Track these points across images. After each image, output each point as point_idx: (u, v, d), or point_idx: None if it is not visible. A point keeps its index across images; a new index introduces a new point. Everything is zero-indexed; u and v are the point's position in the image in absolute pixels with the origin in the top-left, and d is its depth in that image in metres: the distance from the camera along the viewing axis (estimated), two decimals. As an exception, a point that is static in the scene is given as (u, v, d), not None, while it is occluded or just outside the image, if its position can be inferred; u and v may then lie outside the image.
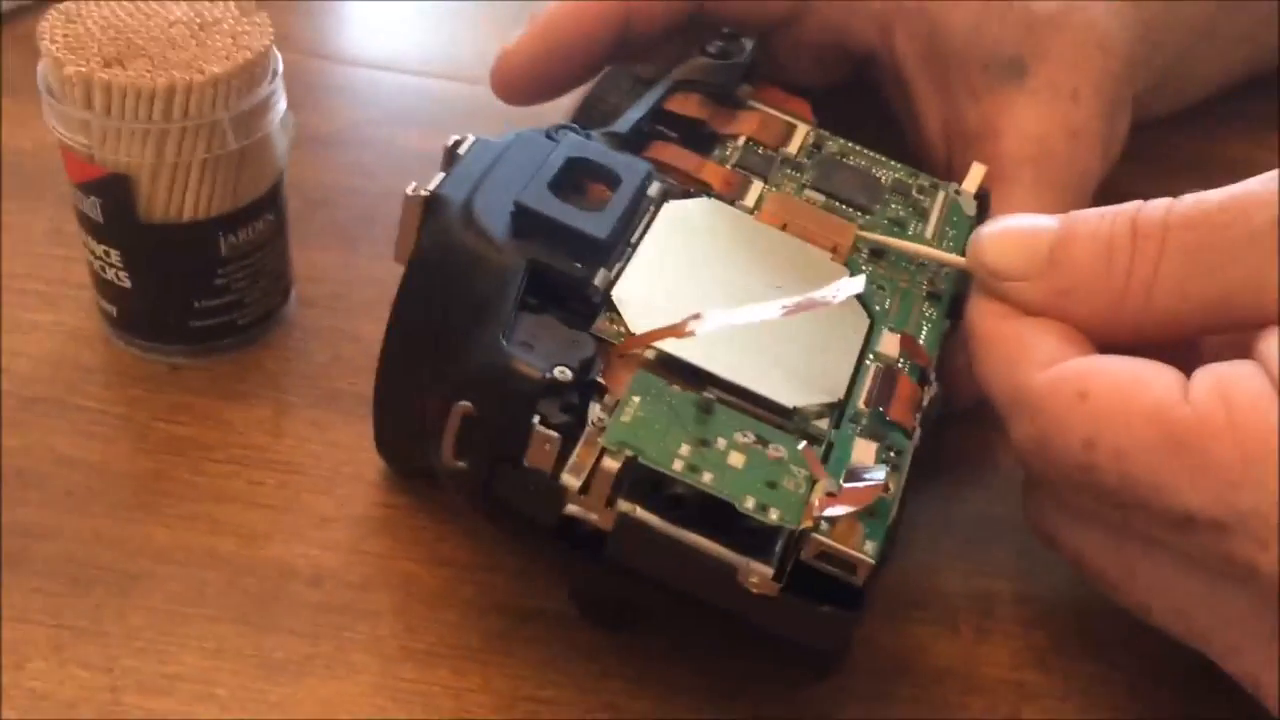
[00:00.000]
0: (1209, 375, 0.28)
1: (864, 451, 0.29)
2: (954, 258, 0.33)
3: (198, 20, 0.35)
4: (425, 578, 0.34)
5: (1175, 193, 0.49)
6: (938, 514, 0.37)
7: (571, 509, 0.28)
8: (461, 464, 0.29)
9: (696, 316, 0.29)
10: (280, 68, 0.36)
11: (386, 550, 0.35)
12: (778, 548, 0.28)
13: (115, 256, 0.36)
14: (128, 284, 0.37)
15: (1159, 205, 0.30)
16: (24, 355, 0.38)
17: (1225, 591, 0.28)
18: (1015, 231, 0.31)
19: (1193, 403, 0.27)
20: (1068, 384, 0.29)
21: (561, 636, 0.33)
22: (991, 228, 0.31)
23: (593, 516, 0.28)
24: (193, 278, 0.37)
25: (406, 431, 0.33)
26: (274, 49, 0.36)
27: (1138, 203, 0.30)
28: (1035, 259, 0.30)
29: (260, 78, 0.35)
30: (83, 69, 0.33)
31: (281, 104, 0.36)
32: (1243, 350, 0.28)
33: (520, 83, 0.38)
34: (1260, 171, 0.50)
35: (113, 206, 0.35)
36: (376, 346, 0.39)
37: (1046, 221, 0.31)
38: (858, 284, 0.30)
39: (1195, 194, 0.29)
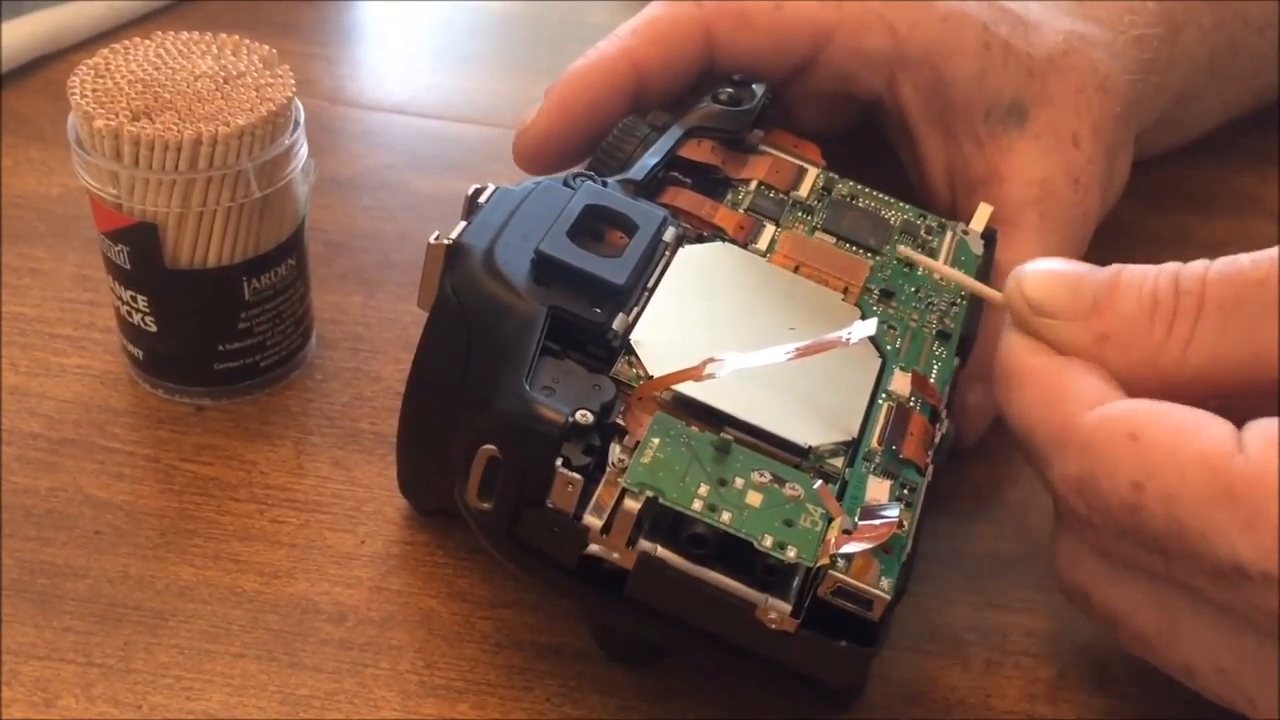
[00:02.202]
0: (1263, 428, 0.27)
1: (878, 489, 0.30)
2: (991, 291, 0.33)
3: (223, 73, 0.36)
4: (444, 614, 0.35)
5: (1179, 227, 0.50)
6: (948, 548, 0.37)
7: (593, 549, 0.29)
8: (486, 505, 0.30)
9: (713, 359, 0.30)
10: (302, 118, 0.37)
11: (407, 587, 0.35)
12: (795, 585, 0.29)
13: (142, 302, 0.37)
14: (154, 328, 0.38)
15: (1198, 264, 0.30)
16: (53, 398, 0.39)
17: (1271, 649, 0.28)
18: (1062, 272, 0.31)
19: (1248, 454, 0.27)
20: (1119, 424, 0.28)
21: (579, 671, 0.34)
22: (1037, 265, 0.31)
23: (614, 556, 0.29)
24: (217, 322, 0.38)
25: (429, 472, 0.34)
26: (296, 100, 0.37)
27: (1177, 263, 0.30)
28: (1079, 300, 0.30)
29: (283, 128, 0.36)
30: (112, 122, 0.34)
31: (303, 152, 0.37)
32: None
33: (542, 156, 0.39)
34: (1264, 206, 0.51)
35: (140, 254, 0.36)
36: (396, 387, 0.41)
37: (1093, 269, 0.31)
38: (870, 326, 0.30)
39: (1232, 255, 0.30)
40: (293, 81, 0.37)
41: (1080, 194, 0.40)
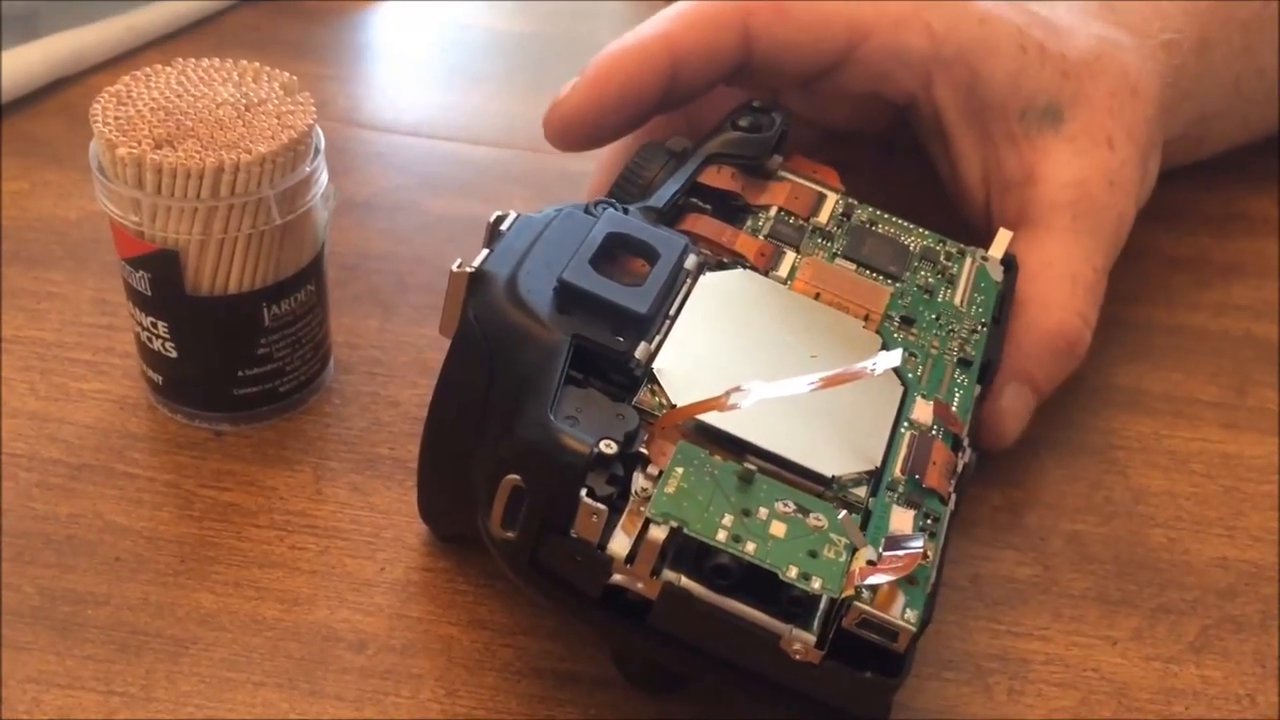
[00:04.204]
0: None
1: (902, 519, 0.30)
2: None
3: (244, 101, 0.36)
4: (465, 642, 0.35)
5: (1194, 248, 0.50)
6: (968, 574, 0.37)
7: (617, 578, 0.29)
8: (509, 534, 0.30)
9: (737, 389, 0.30)
10: (323, 144, 0.37)
11: (427, 614, 0.35)
12: (819, 615, 0.29)
13: (162, 328, 0.37)
14: (174, 354, 0.38)
15: None
16: (72, 424, 0.39)
17: None
18: None
19: None
20: None
21: (599, 700, 0.33)
22: None
23: (638, 585, 0.29)
24: (237, 347, 0.38)
25: (449, 499, 0.34)
26: (317, 127, 0.37)
27: None
28: None
29: (304, 155, 0.36)
30: (134, 150, 0.34)
31: (323, 179, 0.37)
32: None
33: (572, 131, 0.39)
34: (1262, 227, 0.51)
35: (161, 280, 0.36)
36: (414, 412, 0.41)
37: None
38: (895, 358, 0.30)
39: None
40: (313, 108, 0.37)
41: (1115, 196, 0.40)
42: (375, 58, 0.60)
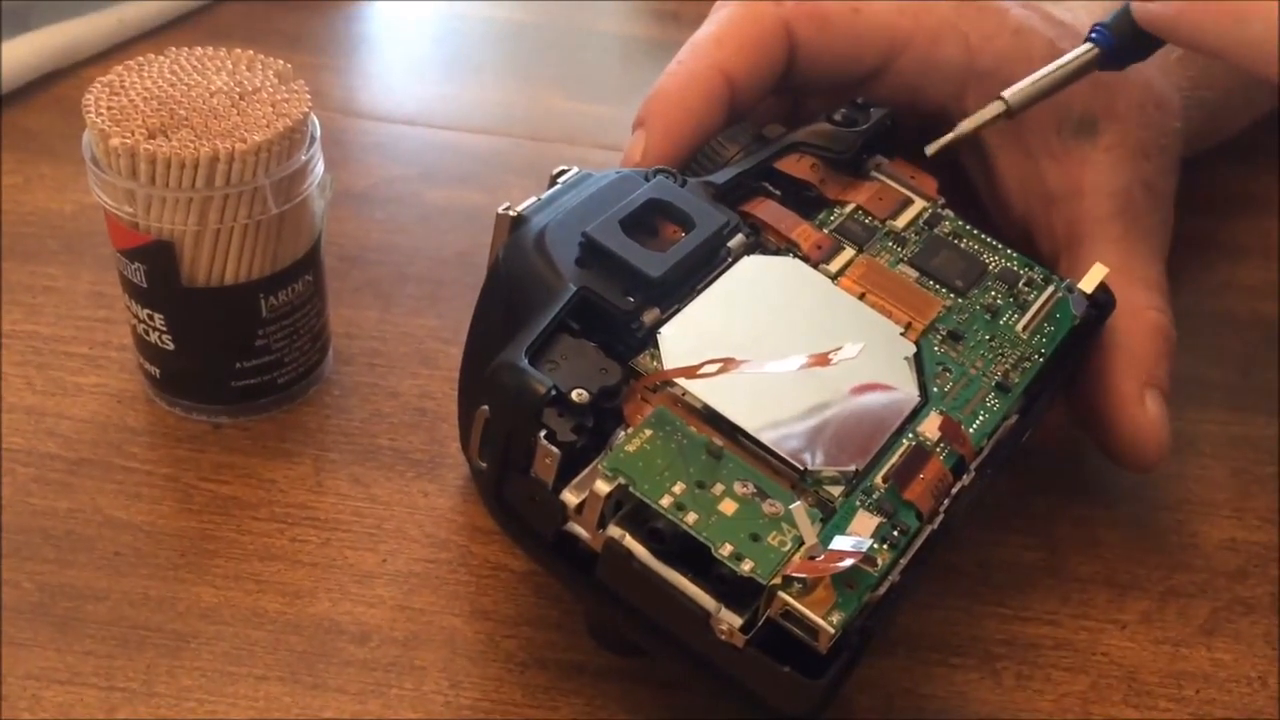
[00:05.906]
0: None
1: (863, 524, 0.29)
2: None
3: (238, 89, 0.36)
4: (468, 633, 0.34)
5: (1198, 230, 0.49)
6: (975, 559, 0.37)
7: (571, 526, 0.29)
8: (483, 464, 0.31)
9: (714, 361, 0.30)
10: (319, 133, 0.37)
11: (429, 605, 0.35)
12: (760, 604, 0.28)
13: (159, 320, 0.37)
14: (171, 346, 0.37)
15: None
16: (69, 418, 0.39)
17: None
18: None
19: None
20: None
21: (604, 690, 0.33)
22: None
23: (586, 536, 0.29)
24: (234, 339, 0.38)
25: None
26: (312, 115, 0.37)
27: None
28: None
29: (299, 144, 0.36)
30: (128, 140, 0.34)
31: (320, 168, 0.37)
32: None
33: None
34: (1266, 207, 0.51)
35: (157, 272, 0.36)
36: (414, 403, 0.40)
37: None
38: (853, 350, 0.30)
39: None
40: (308, 96, 0.36)
41: (1157, 202, 0.40)
42: (372, 48, 0.59)
